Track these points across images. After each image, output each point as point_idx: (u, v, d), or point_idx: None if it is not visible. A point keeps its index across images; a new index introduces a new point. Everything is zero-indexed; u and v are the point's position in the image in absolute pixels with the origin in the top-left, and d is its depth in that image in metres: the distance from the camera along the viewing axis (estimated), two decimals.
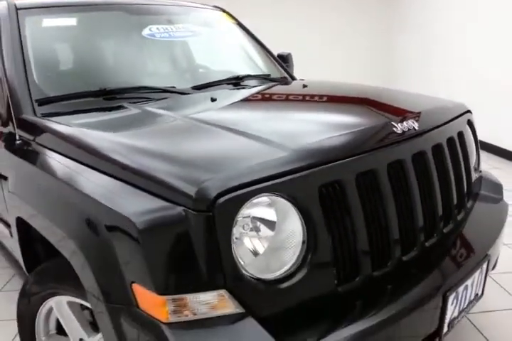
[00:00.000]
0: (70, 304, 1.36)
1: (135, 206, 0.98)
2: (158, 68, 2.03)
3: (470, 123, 1.77)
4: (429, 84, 5.75)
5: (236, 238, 0.96)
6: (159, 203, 0.97)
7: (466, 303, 1.35)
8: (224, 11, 2.54)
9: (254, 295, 0.97)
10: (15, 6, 1.88)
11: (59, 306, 1.38)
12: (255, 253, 1.00)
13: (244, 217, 0.98)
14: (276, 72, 2.31)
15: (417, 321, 1.16)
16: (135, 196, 1.02)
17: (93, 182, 1.12)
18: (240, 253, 0.97)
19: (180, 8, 2.25)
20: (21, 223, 1.52)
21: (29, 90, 1.63)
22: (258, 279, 0.98)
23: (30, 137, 1.51)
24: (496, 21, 4.44)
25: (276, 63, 2.43)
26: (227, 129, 1.22)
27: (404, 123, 1.30)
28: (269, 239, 1.00)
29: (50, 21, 1.89)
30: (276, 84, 2.04)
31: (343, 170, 1.09)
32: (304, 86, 1.84)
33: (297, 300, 1.02)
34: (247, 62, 2.27)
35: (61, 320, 1.41)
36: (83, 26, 1.94)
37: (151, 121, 1.44)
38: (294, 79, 2.39)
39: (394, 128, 1.26)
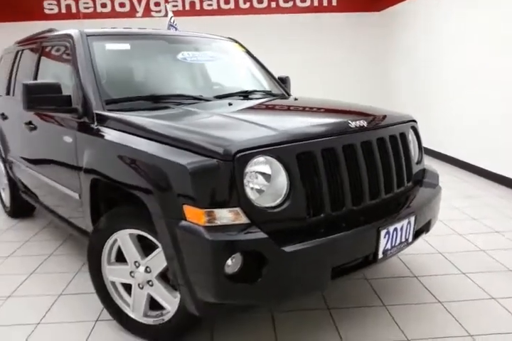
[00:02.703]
0: (130, 235, 2.02)
1: (187, 158, 1.66)
2: (188, 82, 2.77)
3: (414, 129, 2.46)
4: (415, 103, 6.54)
5: (247, 181, 1.64)
6: (200, 157, 1.66)
7: (397, 242, 2.00)
8: (236, 41, 3.29)
9: (256, 214, 1.64)
10: (85, 33, 2.62)
11: (122, 238, 2.04)
12: (257, 193, 1.68)
13: (251, 171, 1.65)
14: (277, 90, 3.05)
15: (360, 243, 1.82)
16: (184, 154, 1.70)
17: (156, 148, 1.80)
18: (248, 191, 1.65)
19: (203, 39, 3.02)
20: (94, 185, 2.19)
21: (99, 93, 2.32)
22: (260, 205, 1.65)
23: (102, 124, 2.20)
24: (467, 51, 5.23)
25: (276, 83, 3.17)
26: (240, 119, 1.94)
27: (357, 122, 2.00)
28: (266, 184, 1.68)
29: (111, 45, 2.62)
30: (275, 98, 2.78)
31: (312, 145, 1.78)
32: (295, 99, 2.57)
33: (283, 221, 1.69)
34: (254, 81, 3.00)
35: (122, 248, 2.06)
36: (135, 50, 2.67)
37: (188, 114, 2.16)
38: (289, 95, 3.12)
39: (349, 124, 1.96)
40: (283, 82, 3.30)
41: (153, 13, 7.83)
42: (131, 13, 7.78)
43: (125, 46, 2.61)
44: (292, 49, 7.58)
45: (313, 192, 1.76)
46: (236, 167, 1.61)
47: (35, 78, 3.03)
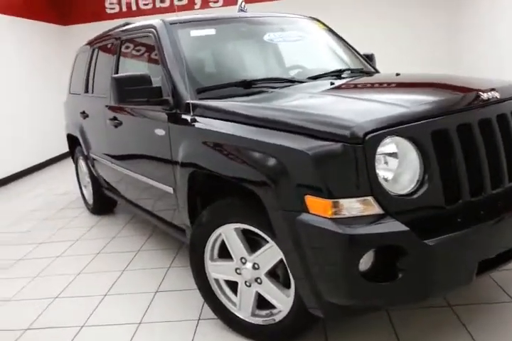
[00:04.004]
0: (236, 230, 1.88)
1: (306, 144, 1.48)
2: (278, 64, 2.59)
3: None
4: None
5: (379, 166, 1.43)
6: (321, 142, 1.47)
7: None
8: (318, 20, 3.07)
9: (390, 203, 1.43)
10: (168, 22, 2.51)
11: (227, 232, 1.91)
12: (390, 180, 1.46)
13: (381, 154, 1.44)
14: (367, 67, 2.79)
15: (505, 233, 1.56)
16: (302, 140, 1.52)
17: (267, 135, 1.64)
18: (380, 178, 1.44)
19: (287, 19, 2.81)
20: (192, 178, 2.08)
21: (190, 83, 2.20)
22: (393, 193, 1.44)
23: (198, 113, 2.07)
24: None
25: (364, 61, 2.91)
26: (356, 98, 1.72)
27: (489, 93, 1.72)
28: (399, 169, 1.47)
29: (195, 32, 2.49)
30: (371, 75, 2.52)
31: (447, 122, 1.53)
32: (397, 74, 2.30)
33: (419, 210, 1.47)
34: (343, 59, 2.76)
35: (227, 244, 1.93)
36: (220, 35, 2.53)
37: (292, 97, 1.97)
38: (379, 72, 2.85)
39: (481, 96, 1.68)
40: (369, 59, 3.04)
41: (210, 4, 7.74)
42: (190, 6, 7.74)
43: (210, 31, 2.47)
44: (361, 24, 7.14)
45: (451, 176, 1.52)
46: (366, 150, 1.40)
47: (117, 73, 2.99)
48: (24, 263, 3.19)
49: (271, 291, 1.85)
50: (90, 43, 3.85)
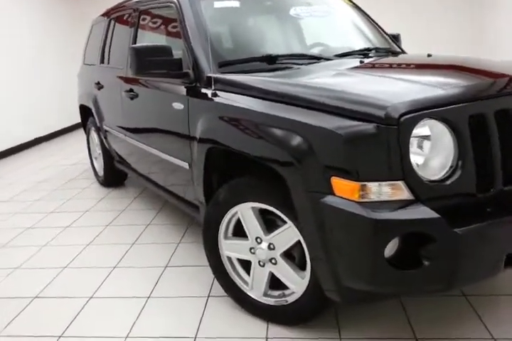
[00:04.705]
0: (253, 209, 1.84)
1: (337, 124, 1.41)
2: (303, 40, 2.48)
3: None
4: None
5: (413, 149, 1.36)
6: (353, 122, 1.40)
7: None
8: None
9: (421, 189, 1.37)
10: None
11: (243, 211, 1.87)
12: (423, 164, 1.40)
13: (415, 135, 1.37)
14: (394, 47, 2.68)
15: None
16: (332, 119, 1.45)
17: (295, 112, 1.57)
18: (414, 162, 1.37)
19: None
20: (210, 154, 2.02)
21: (213, 56, 2.11)
22: (426, 178, 1.38)
23: (220, 88, 1.99)
24: None
25: (390, 40, 2.80)
26: (389, 77, 1.64)
27: None
28: (433, 153, 1.40)
29: (219, 3, 2.39)
30: (399, 55, 2.42)
31: (485, 106, 1.45)
32: (429, 55, 2.20)
33: (450, 198, 1.41)
34: (370, 38, 2.65)
35: (243, 222, 1.89)
36: (244, 7, 2.42)
37: (321, 74, 1.89)
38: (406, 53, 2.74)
39: None
40: (396, 39, 2.92)
41: None
42: None
43: (234, 3, 2.37)
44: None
45: (485, 163, 1.45)
46: (401, 132, 1.33)
47: (135, 44, 2.90)
48: (33, 231, 3.19)
49: (285, 272, 1.82)
50: (107, 14, 3.74)
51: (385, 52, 2.47)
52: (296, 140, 1.51)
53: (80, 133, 6.94)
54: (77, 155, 5.56)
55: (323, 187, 1.44)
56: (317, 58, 2.20)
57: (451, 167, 1.42)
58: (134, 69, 2.16)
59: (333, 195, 1.42)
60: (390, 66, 2.02)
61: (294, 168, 1.51)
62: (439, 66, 1.96)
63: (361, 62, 2.05)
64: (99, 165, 4.15)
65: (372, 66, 2.06)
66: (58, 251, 2.82)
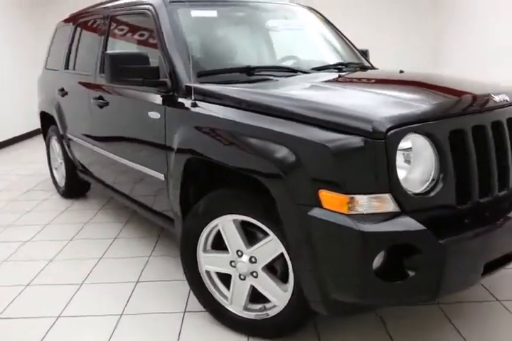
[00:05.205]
0: (234, 221, 1.81)
1: (324, 136, 1.42)
2: (280, 53, 2.51)
3: None
4: None
5: (398, 162, 1.39)
6: (340, 135, 1.42)
7: None
8: (316, 10, 3.00)
9: (406, 201, 1.40)
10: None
11: (224, 223, 1.83)
12: (407, 177, 1.43)
13: (400, 149, 1.41)
14: (365, 62, 2.76)
15: (508, 235, 1.57)
16: (318, 132, 1.46)
17: (280, 124, 1.57)
18: (399, 175, 1.40)
19: (288, 7, 2.73)
20: (188, 165, 1.98)
21: (191, 65, 2.08)
22: (410, 191, 1.41)
23: (200, 98, 1.96)
24: None
25: (360, 55, 2.89)
26: (370, 92, 1.67)
27: (500, 96, 1.72)
28: (417, 166, 1.44)
29: (196, 12, 2.37)
30: (373, 70, 2.49)
31: (464, 122, 1.52)
32: (401, 72, 2.28)
33: (432, 210, 1.45)
34: (342, 52, 2.72)
35: (224, 235, 1.86)
36: (221, 18, 2.42)
37: (302, 87, 1.90)
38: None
39: (493, 99, 1.68)
40: (365, 54, 3.01)
41: None
42: None
43: (212, 13, 2.36)
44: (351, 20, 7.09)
45: (463, 176, 1.51)
46: (388, 146, 1.36)
47: (105, 50, 2.82)
48: None
49: (267, 285, 1.80)
50: (73, 18, 3.62)
51: (357, 67, 2.54)
52: (283, 152, 1.50)
53: (36, 141, 6.64)
54: (34, 165, 5.29)
55: (310, 199, 1.44)
56: (294, 71, 2.23)
57: (432, 180, 1.46)
58: (109, 76, 2.09)
59: (321, 207, 1.43)
60: (368, 81, 2.08)
61: (280, 180, 1.51)
62: (414, 82, 2.04)
63: (339, 76, 2.09)
64: (60, 176, 3.97)
65: (351, 80, 2.11)
66: (19, 268, 2.65)
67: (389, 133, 1.37)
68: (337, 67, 2.41)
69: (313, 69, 2.29)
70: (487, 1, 5.92)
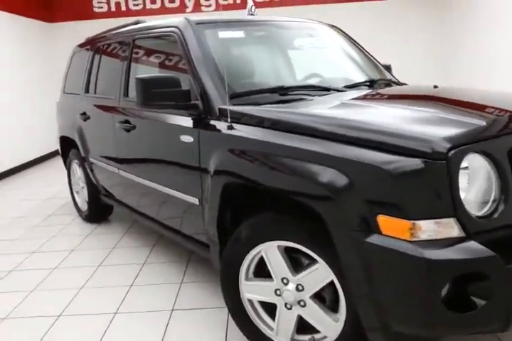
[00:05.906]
0: (279, 247, 1.73)
1: (381, 158, 1.36)
2: (310, 71, 2.46)
3: None
4: None
5: (461, 184, 1.32)
6: (397, 157, 1.35)
7: None
8: (338, 28, 2.97)
9: (471, 225, 1.32)
10: (194, 21, 2.35)
11: (268, 250, 1.76)
12: (470, 199, 1.36)
13: (463, 172, 1.34)
14: (392, 78, 2.71)
15: None
16: (373, 154, 1.40)
17: (329, 147, 1.51)
18: (463, 197, 1.32)
19: (313, 25, 2.71)
20: (226, 189, 1.92)
21: (224, 87, 2.04)
22: (474, 214, 1.34)
23: (236, 120, 1.91)
24: None
25: (386, 71, 2.84)
26: (418, 110, 1.61)
27: None
28: (479, 188, 1.37)
29: (224, 33, 2.34)
30: (403, 85, 2.44)
31: None
32: (435, 86, 2.22)
33: (494, 232, 1.37)
34: (370, 68, 2.67)
35: (268, 262, 1.78)
36: (249, 38, 2.40)
37: (345, 107, 1.85)
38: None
39: None
40: (389, 69, 2.97)
41: (203, 8, 7.59)
42: (181, 9, 7.56)
43: (239, 34, 2.33)
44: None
45: None
46: (450, 167, 1.30)
47: (128, 74, 2.80)
48: (17, 275, 2.93)
49: (316, 315, 1.71)
50: (91, 41, 3.64)
51: (386, 83, 2.49)
52: (336, 175, 1.44)
53: (49, 165, 6.63)
54: (50, 188, 5.27)
55: (367, 225, 1.37)
56: (327, 89, 2.18)
57: (494, 201, 1.39)
58: (141, 100, 2.06)
59: (380, 233, 1.36)
60: (407, 97, 2.02)
61: (334, 205, 1.44)
62: (456, 99, 1.97)
63: (377, 93, 2.04)
64: (82, 200, 3.93)
65: (389, 97, 2.06)
66: (49, 297, 2.59)
67: (450, 154, 1.30)
68: (367, 85, 2.36)
69: (345, 87, 2.24)
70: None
